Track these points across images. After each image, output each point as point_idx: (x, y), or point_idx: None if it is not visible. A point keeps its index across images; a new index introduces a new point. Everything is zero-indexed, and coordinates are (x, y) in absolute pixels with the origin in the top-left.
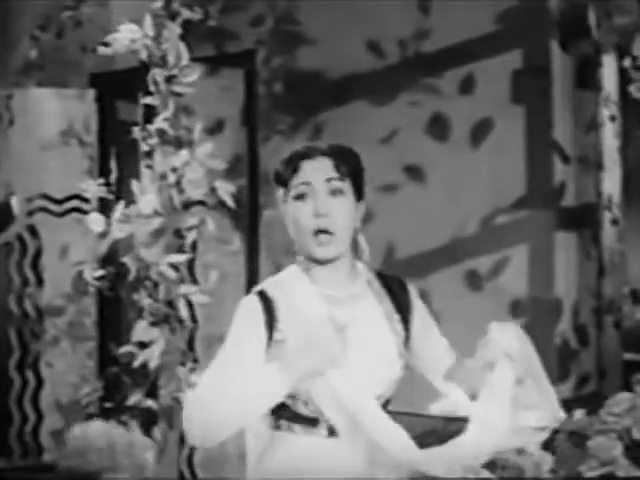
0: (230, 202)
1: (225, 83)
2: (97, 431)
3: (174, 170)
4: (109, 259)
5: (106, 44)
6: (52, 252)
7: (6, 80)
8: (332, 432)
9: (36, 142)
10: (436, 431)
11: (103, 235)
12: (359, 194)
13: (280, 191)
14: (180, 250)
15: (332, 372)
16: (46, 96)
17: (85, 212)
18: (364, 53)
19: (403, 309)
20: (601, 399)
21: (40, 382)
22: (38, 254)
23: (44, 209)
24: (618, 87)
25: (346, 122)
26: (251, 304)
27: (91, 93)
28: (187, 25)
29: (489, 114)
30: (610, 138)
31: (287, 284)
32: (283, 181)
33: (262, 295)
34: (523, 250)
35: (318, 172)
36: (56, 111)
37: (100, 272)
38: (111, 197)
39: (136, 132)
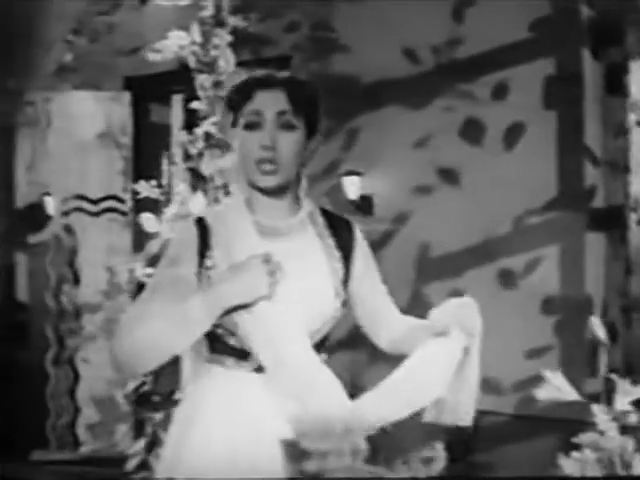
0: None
1: None
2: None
3: (221, 172)
4: (156, 258)
5: (156, 50)
6: (88, 251)
7: (41, 83)
8: (260, 368)
9: (73, 144)
10: None
11: (153, 235)
12: (312, 130)
13: (229, 115)
14: None
15: (261, 304)
16: (83, 99)
17: (121, 212)
18: (398, 59)
19: (345, 247)
20: None
21: (76, 377)
22: (74, 252)
23: (80, 209)
24: None
25: (380, 126)
26: (187, 229)
27: (126, 96)
28: (235, 32)
29: (521, 119)
30: (637, 142)
31: (225, 212)
32: (234, 106)
33: (199, 222)
34: (554, 250)
35: (271, 104)
36: (93, 113)
37: (149, 270)
38: (162, 198)
39: (181, 135)
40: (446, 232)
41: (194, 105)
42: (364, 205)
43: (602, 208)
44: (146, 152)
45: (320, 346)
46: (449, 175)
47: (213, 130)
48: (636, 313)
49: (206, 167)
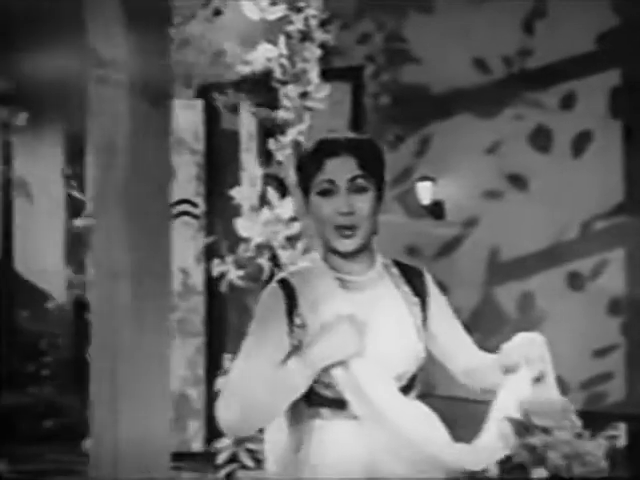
0: None
1: (334, 96)
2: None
3: None
4: (248, 260)
5: (245, 61)
6: None
7: None
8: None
9: None
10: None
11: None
12: (380, 187)
13: (299, 180)
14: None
15: (352, 358)
16: None
17: (194, 215)
18: (469, 69)
19: (420, 293)
20: None
21: None
22: None
23: None
24: None
25: (452, 133)
26: (273, 292)
27: (199, 104)
28: (323, 46)
29: (589, 127)
30: None
31: (307, 271)
32: (306, 176)
33: (283, 282)
34: (621, 253)
35: (342, 171)
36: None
37: (240, 272)
38: (256, 203)
39: (270, 144)
40: (515, 236)
41: (280, 114)
42: (436, 210)
43: None
44: (218, 158)
45: (409, 388)
46: (518, 181)
47: (301, 139)
48: None
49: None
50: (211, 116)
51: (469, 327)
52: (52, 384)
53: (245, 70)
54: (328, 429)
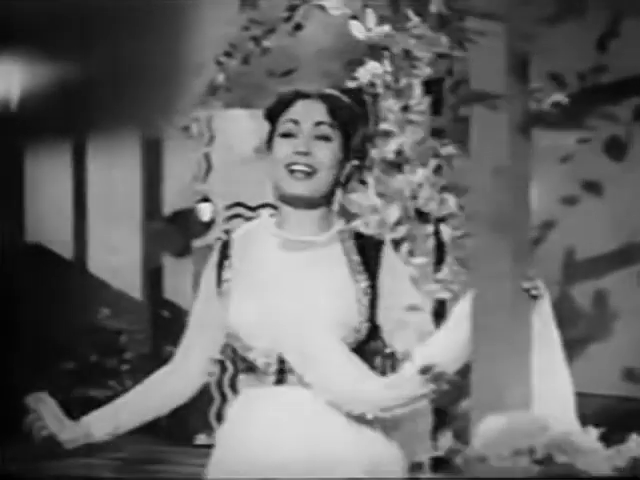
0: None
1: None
2: None
3: (410, 185)
4: None
5: (354, 77)
6: None
7: (193, 101)
8: (280, 380)
9: (233, 157)
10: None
11: None
12: (347, 151)
13: (269, 122)
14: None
15: (285, 305)
16: (241, 116)
17: (246, 218)
18: (545, 83)
19: (370, 264)
20: None
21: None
22: None
23: (240, 216)
24: None
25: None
26: (215, 249)
27: None
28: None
29: None
30: None
31: (253, 227)
32: (273, 116)
33: (224, 240)
34: None
35: (309, 113)
36: (249, 129)
37: None
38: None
39: (374, 152)
40: (590, 238)
41: (383, 126)
42: None
43: None
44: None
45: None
46: (594, 188)
47: (405, 148)
48: None
49: (398, 181)
50: None
51: None
52: (132, 378)
53: (353, 84)
54: (252, 395)
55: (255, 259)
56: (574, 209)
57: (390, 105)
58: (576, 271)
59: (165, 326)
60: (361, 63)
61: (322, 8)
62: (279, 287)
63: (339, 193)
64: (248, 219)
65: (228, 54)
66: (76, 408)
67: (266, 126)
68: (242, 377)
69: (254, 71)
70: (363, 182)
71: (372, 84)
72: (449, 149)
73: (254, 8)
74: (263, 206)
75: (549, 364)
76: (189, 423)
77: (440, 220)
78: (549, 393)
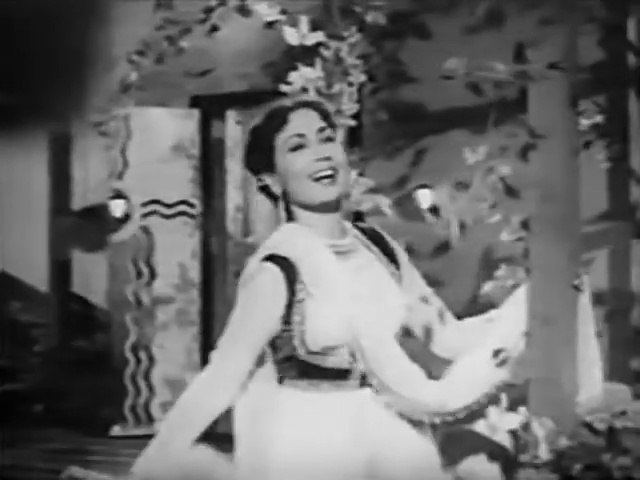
0: (389, 212)
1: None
2: None
3: None
4: None
5: (288, 82)
6: (163, 249)
7: (105, 98)
8: (364, 382)
9: (150, 154)
10: None
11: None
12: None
13: (258, 144)
14: None
15: (355, 318)
16: (159, 115)
17: (191, 215)
18: (463, 92)
19: (388, 253)
20: None
21: (152, 361)
22: (151, 251)
23: (157, 212)
24: None
25: (446, 148)
26: (271, 272)
27: (196, 113)
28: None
29: None
30: None
31: (295, 241)
32: (269, 134)
33: (274, 259)
34: (605, 253)
35: (309, 123)
36: (167, 128)
37: None
38: None
39: None
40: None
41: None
42: (432, 214)
43: None
44: (211, 162)
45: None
46: (510, 191)
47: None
48: None
49: None
50: (205, 124)
51: (465, 315)
52: (42, 371)
53: (287, 89)
54: (328, 399)
55: (321, 270)
56: (490, 210)
57: None
58: (492, 269)
59: (74, 320)
60: (280, 66)
61: (248, 12)
62: (349, 295)
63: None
64: (164, 216)
65: (141, 53)
66: None
67: (184, 124)
68: (303, 383)
69: (169, 70)
70: None
71: (304, 89)
72: (367, 153)
73: (169, 8)
74: (179, 203)
75: (587, 343)
76: (104, 415)
77: (359, 217)
78: (588, 362)
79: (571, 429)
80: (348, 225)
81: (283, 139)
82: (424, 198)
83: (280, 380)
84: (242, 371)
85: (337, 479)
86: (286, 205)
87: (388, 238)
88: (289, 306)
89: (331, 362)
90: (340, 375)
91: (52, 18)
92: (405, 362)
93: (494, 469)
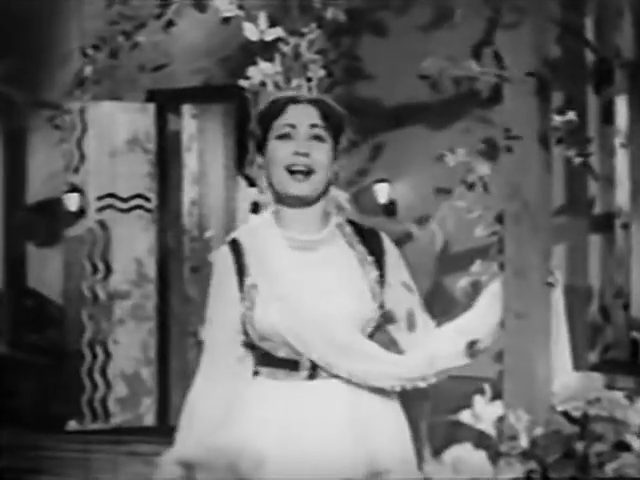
0: (348, 206)
1: None
2: None
3: None
4: None
5: (247, 77)
6: (119, 244)
7: (58, 92)
8: (312, 375)
9: (106, 148)
10: None
11: None
12: (335, 152)
13: (258, 127)
14: None
15: (306, 310)
16: (114, 109)
17: (147, 209)
18: (419, 87)
19: (375, 252)
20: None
21: (108, 356)
22: (107, 245)
23: (112, 206)
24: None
25: (403, 142)
26: (223, 253)
27: (151, 107)
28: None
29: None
30: (621, 161)
31: (257, 229)
32: (267, 121)
33: (233, 243)
34: (563, 248)
35: (304, 116)
36: (122, 122)
37: None
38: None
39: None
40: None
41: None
42: (390, 208)
43: (600, 214)
44: (167, 156)
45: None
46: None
47: None
48: (618, 299)
49: None
50: (161, 119)
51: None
52: None
53: (246, 84)
54: (280, 388)
55: (271, 261)
56: (448, 205)
57: None
58: (450, 263)
59: (29, 314)
60: (236, 60)
61: (204, 7)
62: (299, 287)
63: (331, 190)
64: (120, 210)
65: (96, 47)
66: None
67: (140, 118)
68: (265, 370)
69: (124, 65)
70: (249, 178)
71: (263, 84)
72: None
73: (124, 3)
74: (135, 197)
75: (558, 335)
76: (60, 410)
77: None
78: (559, 355)
79: (546, 418)
80: (337, 220)
81: (276, 126)
82: (382, 192)
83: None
84: (228, 354)
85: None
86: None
87: (383, 240)
88: (240, 290)
89: (283, 352)
90: (291, 366)
91: (4, 10)
92: (356, 340)
93: (481, 457)
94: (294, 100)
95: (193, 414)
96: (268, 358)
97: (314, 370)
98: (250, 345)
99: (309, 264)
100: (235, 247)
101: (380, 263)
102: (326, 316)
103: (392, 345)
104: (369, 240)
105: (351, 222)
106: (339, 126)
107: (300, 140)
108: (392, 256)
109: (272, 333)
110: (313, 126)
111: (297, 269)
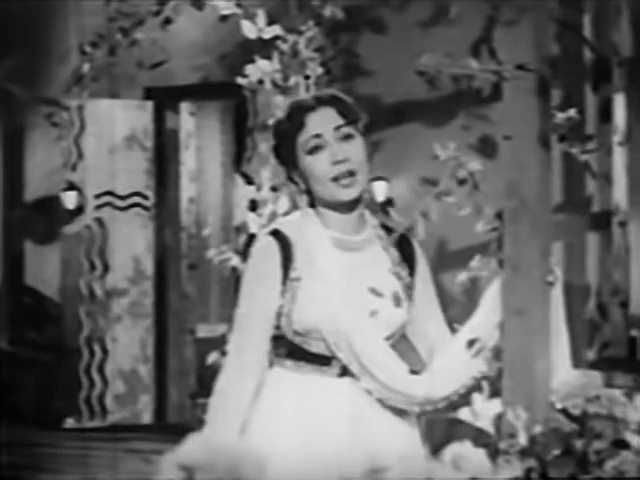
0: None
1: None
2: None
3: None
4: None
5: (245, 75)
6: (116, 241)
7: (56, 89)
8: (344, 372)
9: (104, 146)
10: None
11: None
12: (363, 133)
13: (281, 145)
14: None
15: (342, 312)
16: (112, 106)
17: (144, 207)
18: (419, 84)
19: (408, 259)
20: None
21: (106, 353)
22: (104, 243)
23: (110, 204)
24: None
25: (401, 140)
26: (267, 244)
27: (149, 105)
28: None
29: None
30: (618, 159)
31: (301, 225)
32: (289, 136)
33: (277, 234)
34: (560, 245)
35: (325, 122)
36: (121, 119)
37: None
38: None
39: (265, 147)
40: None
41: (272, 121)
42: (387, 206)
43: (598, 212)
44: (165, 153)
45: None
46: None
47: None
48: (615, 297)
49: None
50: (159, 116)
51: None
52: None
53: (244, 82)
54: (309, 383)
55: (318, 258)
56: (445, 202)
57: (279, 102)
58: (447, 261)
59: (27, 312)
60: (234, 58)
61: (202, 5)
62: (341, 287)
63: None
64: (118, 208)
65: (94, 44)
66: None
67: (138, 116)
68: (289, 363)
69: (123, 62)
70: (246, 176)
71: (261, 81)
72: None
73: (122, 0)
74: (133, 195)
75: (557, 333)
76: (58, 407)
77: None
78: (558, 352)
79: (545, 416)
80: (374, 222)
81: (302, 141)
82: (379, 190)
83: (270, 362)
84: (261, 344)
85: (301, 460)
86: (310, 199)
87: (415, 247)
88: (283, 282)
89: (315, 347)
90: (322, 361)
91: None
92: (387, 356)
93: (481, 454)
94: (308, 107)
95: (223, 407)
96: (299, 351)
97: (345, 368)
98: (276, 337)
99: (350, 267)
100: (280, 238)
101: (412, 270)
102: (365, 319)
103: (412, 353)
104: (403, 246)
105: (383, 225)
106: (357, 114)
107: (332, 147)
108: (423, 267)
109: (311, 329)
110: (338, 128)
111: (343, 269)
